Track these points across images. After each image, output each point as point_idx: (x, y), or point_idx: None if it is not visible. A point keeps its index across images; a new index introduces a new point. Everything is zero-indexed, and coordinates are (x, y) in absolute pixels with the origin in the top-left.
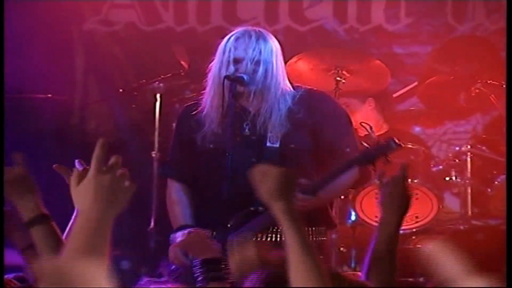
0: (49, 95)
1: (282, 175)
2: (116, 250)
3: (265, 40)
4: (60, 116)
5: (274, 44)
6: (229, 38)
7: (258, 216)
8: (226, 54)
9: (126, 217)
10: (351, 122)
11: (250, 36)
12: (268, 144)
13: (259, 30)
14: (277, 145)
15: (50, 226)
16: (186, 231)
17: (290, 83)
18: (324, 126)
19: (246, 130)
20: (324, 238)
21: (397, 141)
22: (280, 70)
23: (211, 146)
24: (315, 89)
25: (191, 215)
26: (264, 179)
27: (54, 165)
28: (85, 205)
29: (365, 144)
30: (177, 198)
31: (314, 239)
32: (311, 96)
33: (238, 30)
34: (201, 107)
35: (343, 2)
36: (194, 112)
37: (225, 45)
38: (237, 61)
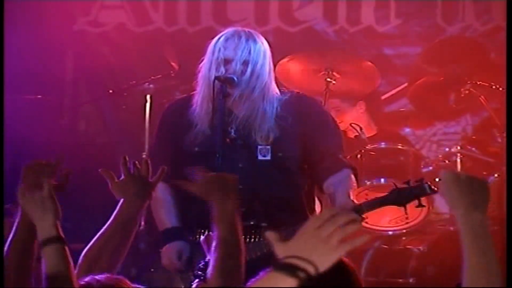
0: (39, 96)
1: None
2: None
3: (254, 40)
4: (51, 117)
5: (263, 45)
6: (219, 38)
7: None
8: (216, 54)
9: None
10: (338, 127)
11: (240, 37)
12: (259, 157)
13: (248, 31)
14: (269, 158)
15: (62, 249)
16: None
17: (278, 86)
18: (313, 133)
19: (232, 133)
20: None
21: (432, 186)
22: (268, 71)
23: (199, 147)
24: (302, 93)
25: (176, 217)
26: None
27: (100, 169)
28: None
29: (395, 184)
30: (161, 198)
31: None
32: (299, 101)
33: (228, 30)
34: (192, 107)
35: (333, 3)
36: (180, 110)
37: (215, 45)
38: (227, 62)
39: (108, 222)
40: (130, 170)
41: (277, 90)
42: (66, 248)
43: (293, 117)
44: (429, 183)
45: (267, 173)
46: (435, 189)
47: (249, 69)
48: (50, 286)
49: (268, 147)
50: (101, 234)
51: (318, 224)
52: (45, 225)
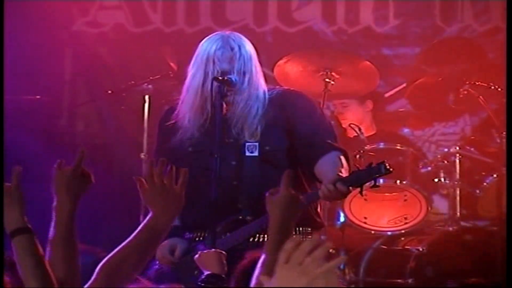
0: (38, 97)
1: None
2: (105, 250)
3: (245, 47)
4: (49, 118)
5: (252, 49)
6: (210, 47)
7: (245, 226)
8: (211, 66)
9: (115, 217)
10: (326, 116)
11: (232, 48)
12: (247, 153)
13: (235, 37)
14: (256, 154)
15: (31, 239)
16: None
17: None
18: (300, 123)
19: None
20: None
21: (388, 166)
22: (260, 75)
23: (195, 148)
24: (286, 88)
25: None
26: None
27: (134, 177)
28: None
29: (356, 166)
30: None
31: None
32: (283, 96)
33: (216, 37)
34: (181, 112)
35: (332, 3)
36: (175, 115)
37: (208, 57)
38: (224, 74)
39: (134, 234)
40: (161, 180)
41: (265, 88)
42: (35, 238)
43: (278, 111)
44: (386, 164)
45: (255, 169)
46: (391, 169)
47: (246, 78)
48: (25, 275)
49: (256, 143)
50: (125, 245)
51: (286, 258)
52: (13, 216)
